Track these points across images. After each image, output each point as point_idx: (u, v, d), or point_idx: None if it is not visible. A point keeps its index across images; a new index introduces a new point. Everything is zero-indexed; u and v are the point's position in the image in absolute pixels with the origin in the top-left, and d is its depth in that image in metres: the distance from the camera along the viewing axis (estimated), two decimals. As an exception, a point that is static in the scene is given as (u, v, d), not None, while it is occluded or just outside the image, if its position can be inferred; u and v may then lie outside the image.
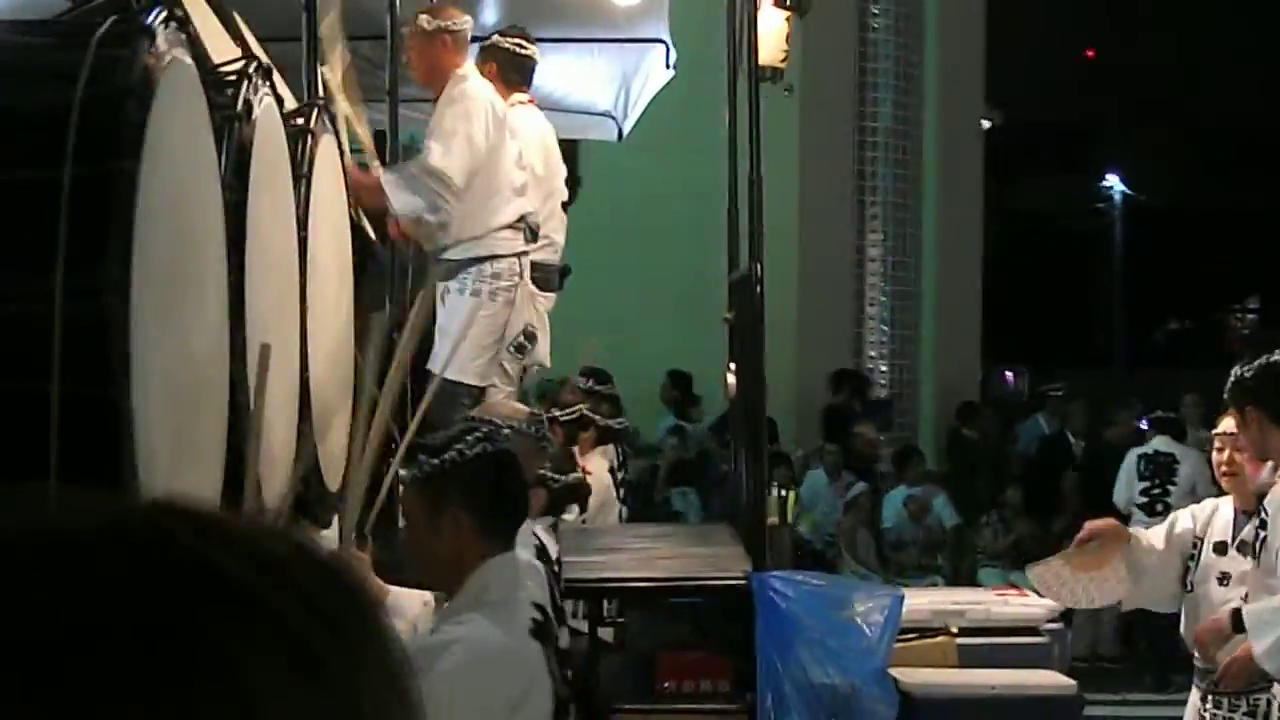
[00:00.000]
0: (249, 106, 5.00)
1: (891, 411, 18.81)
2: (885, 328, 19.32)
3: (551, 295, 8.35)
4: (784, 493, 9.39)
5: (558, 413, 9.71)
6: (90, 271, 3.71)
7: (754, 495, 7.26)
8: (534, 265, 8.16)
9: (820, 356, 18.27)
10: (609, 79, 11.49)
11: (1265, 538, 6.20)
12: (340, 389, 6.25)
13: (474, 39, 10.67)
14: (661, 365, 16.83)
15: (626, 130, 11.77)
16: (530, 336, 7.58)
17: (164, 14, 4.22)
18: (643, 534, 8.78)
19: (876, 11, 19.31)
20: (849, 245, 19.28)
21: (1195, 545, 6.57)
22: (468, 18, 7.76)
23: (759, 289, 7.83)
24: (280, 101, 5.49)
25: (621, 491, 9.52)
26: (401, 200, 7.30)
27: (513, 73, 8.37)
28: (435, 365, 7.37)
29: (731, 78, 9.69)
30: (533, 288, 8.06)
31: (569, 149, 14.42)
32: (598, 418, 9.58)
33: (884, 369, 19.26)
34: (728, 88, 9.80)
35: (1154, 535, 6.66)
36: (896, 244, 19.43)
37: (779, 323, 16.39)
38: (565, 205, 8.51)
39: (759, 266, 7.87)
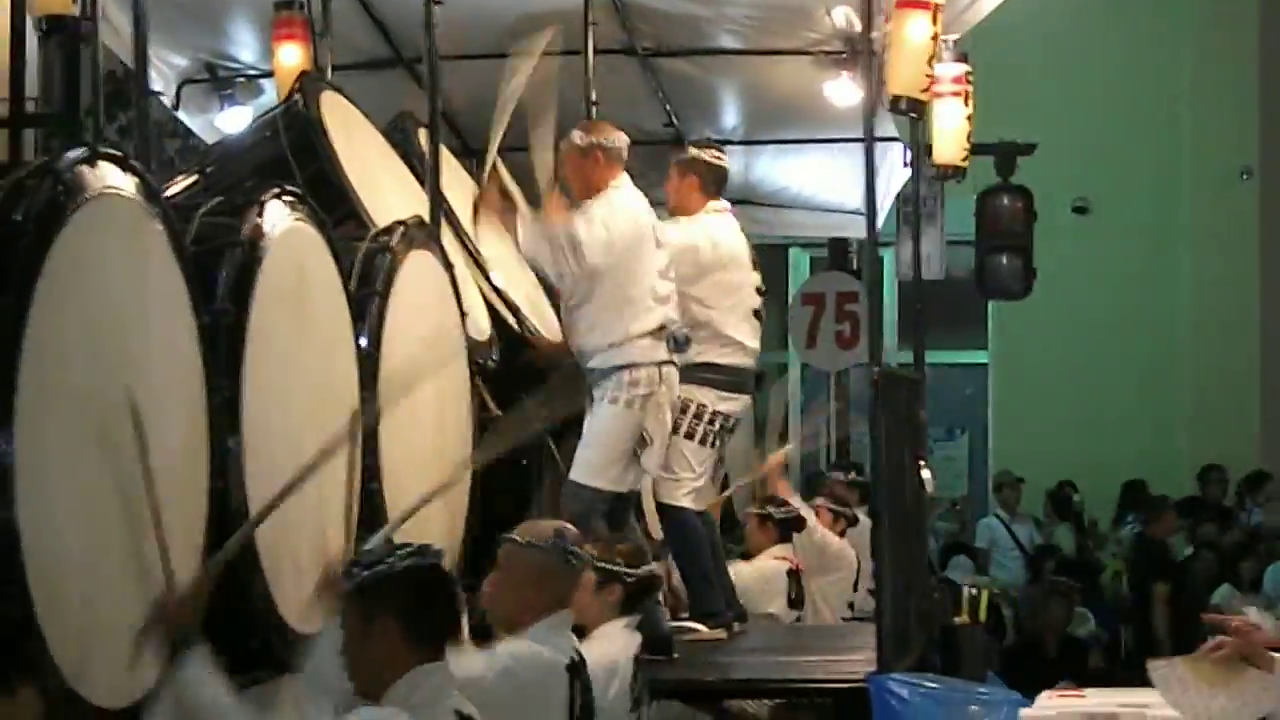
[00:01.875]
0: (257, 232, 5.24)
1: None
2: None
3: (744, 398, 8.46)
4: (975, 591, 9.22)
5: (771, 509, 9.81)
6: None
7: (895, 590, 7.20)
8: (720, 368, 8.30)
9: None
10: (854, 178, 11.54)
11: None
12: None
13: (708, 142, 10.96)
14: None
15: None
16: (644, 441, 7.67)
17: (94, 151, 4.46)
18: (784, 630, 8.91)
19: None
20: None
21: None
22: (622, 134, 7.92)
23: None
24: (323, 222, 5.70)
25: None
26: (532, 246, 7.69)
27: (711, 184, 8.55)
28: (574, 469, 7.56)
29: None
30: (714, 393, 8.22)
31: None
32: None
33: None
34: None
35: None
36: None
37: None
38: (756, 312, 8.56)
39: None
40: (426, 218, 7.98)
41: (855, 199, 11.70)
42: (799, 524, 9.82)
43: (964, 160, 9.27)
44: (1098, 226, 18.08)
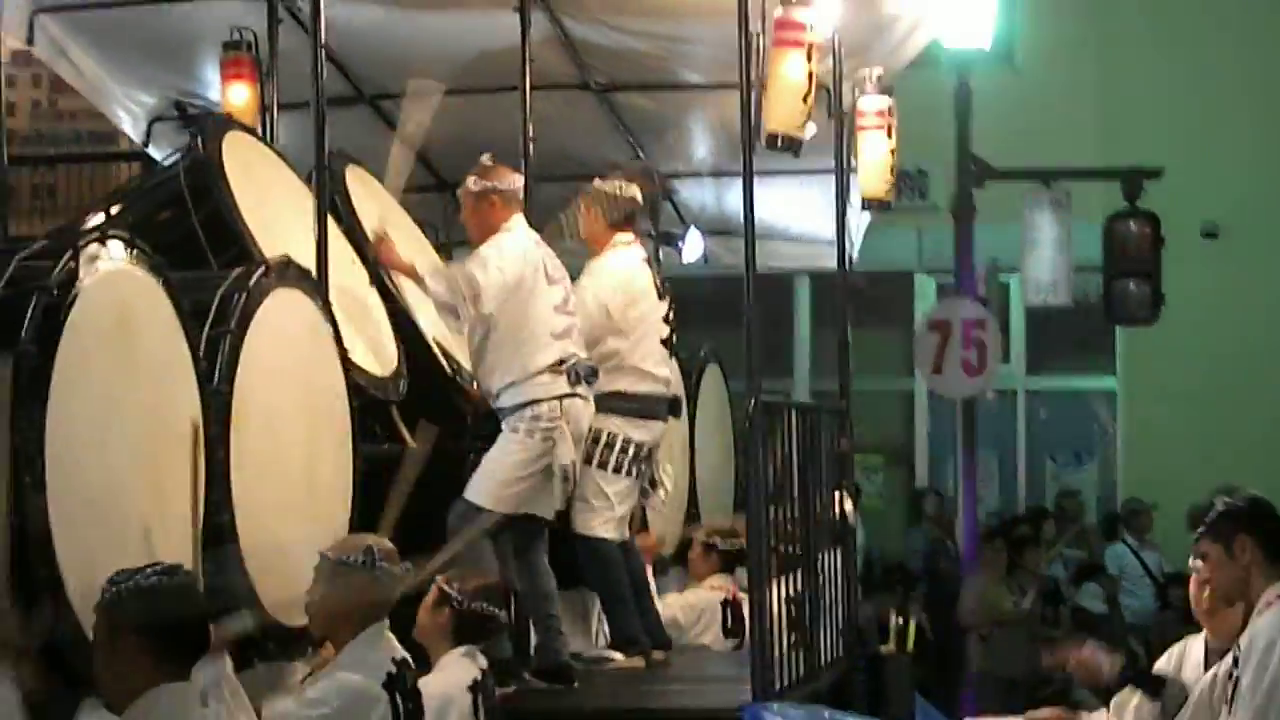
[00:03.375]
0: (70, 275, 5.43)
1: None
2: None
3: (656, 426, 8.58)
4: (901, 620, 9.28)
5: (718, 540, 9.92)
6: None
7: (764, 623, 7.29)
8: (630, 397, 8.45)
9: None
10: (824, 208, 11.67)
11: (1237, 678, 5.84)
12: (310, 528, 6.63)
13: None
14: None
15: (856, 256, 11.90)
16: (566, 475, 7.82)
17: None
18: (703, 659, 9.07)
19: None
20: None
21: None
22: (516, 176, 8.11)
23: None
24: (156, 264, 5.88)
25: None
26: (439, 288, 7.89)
27: (617, 216, 8.67)
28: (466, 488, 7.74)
29: None
30: (625, 421, 8.36)
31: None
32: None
33: None
34: None
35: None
36: None
37: None
38: (665, 341, 8.68)
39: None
40: (352, 257, 8.27)
41: (829, 229, 11.82)
42: (743, 557, 9.91)
43: (887, 193, 9.33)
44: (1228, 250, 17.94)
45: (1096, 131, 17.79)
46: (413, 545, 6.38)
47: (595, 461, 8.39)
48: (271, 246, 7.38)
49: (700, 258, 12.01)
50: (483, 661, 6.44)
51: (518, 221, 8.01)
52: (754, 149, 7.51)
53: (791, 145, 7.34)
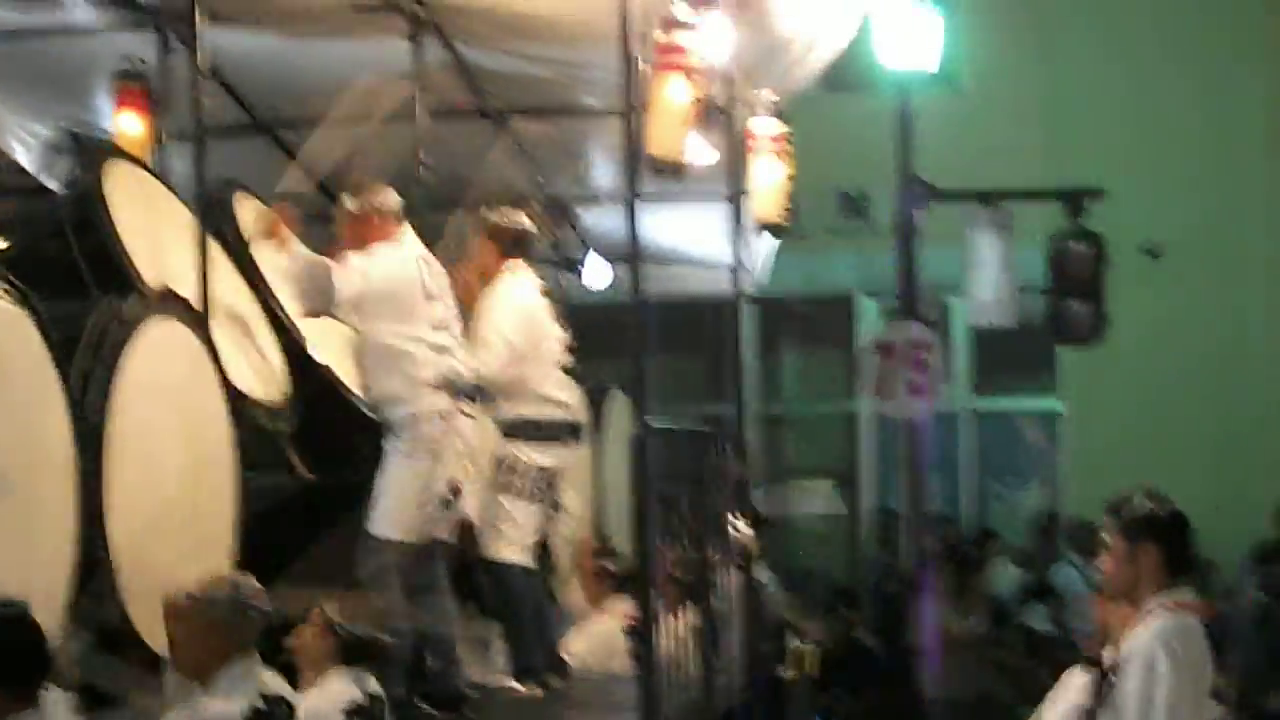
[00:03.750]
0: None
1: None
2: None
3: (560, 450, 8.55)
4: (802, 645, 9.28)
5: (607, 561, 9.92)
6: None
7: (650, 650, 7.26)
8: (533, 423, 8.44)
9: None
10: (722, 233, 11.70)
11: (1115, 683, 5.94)
12: (191, 555, 6.58)
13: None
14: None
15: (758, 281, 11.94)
16: (455, 491, 7.77)
17: None
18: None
19: None
20: None
21: None
22: (390, 191, 8.07)
23: None
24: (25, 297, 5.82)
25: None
26: (299, 270, 7.93)
27: (507, 244, 8.67)
28: (368, 522, 7.68)
29: None
30: (528, 446, 8.34)
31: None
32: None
33: None
34: None
35: None
36: None
37: None
38: (567, 369, 8.68)
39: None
40: (239, 286, 8.22)
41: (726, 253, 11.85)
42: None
43: (781, 217, 9.33)
44: (1171, 271, 17.90)
45: (1039, 152, 17.78)
46: (318, 580, 6.37)
47: (500, 487, 8.38)
48: (157, 276, 7.35)
49: (604, 283, 11.97)
50: (371, 687, 6.38)
51: (401, 233, 7.98)
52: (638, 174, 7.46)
53: (674, 170, 7.30)
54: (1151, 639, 5.81)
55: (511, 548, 8.45)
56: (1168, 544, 5.98)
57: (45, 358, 5.93)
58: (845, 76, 11.22)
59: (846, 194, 17.71)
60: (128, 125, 9.60)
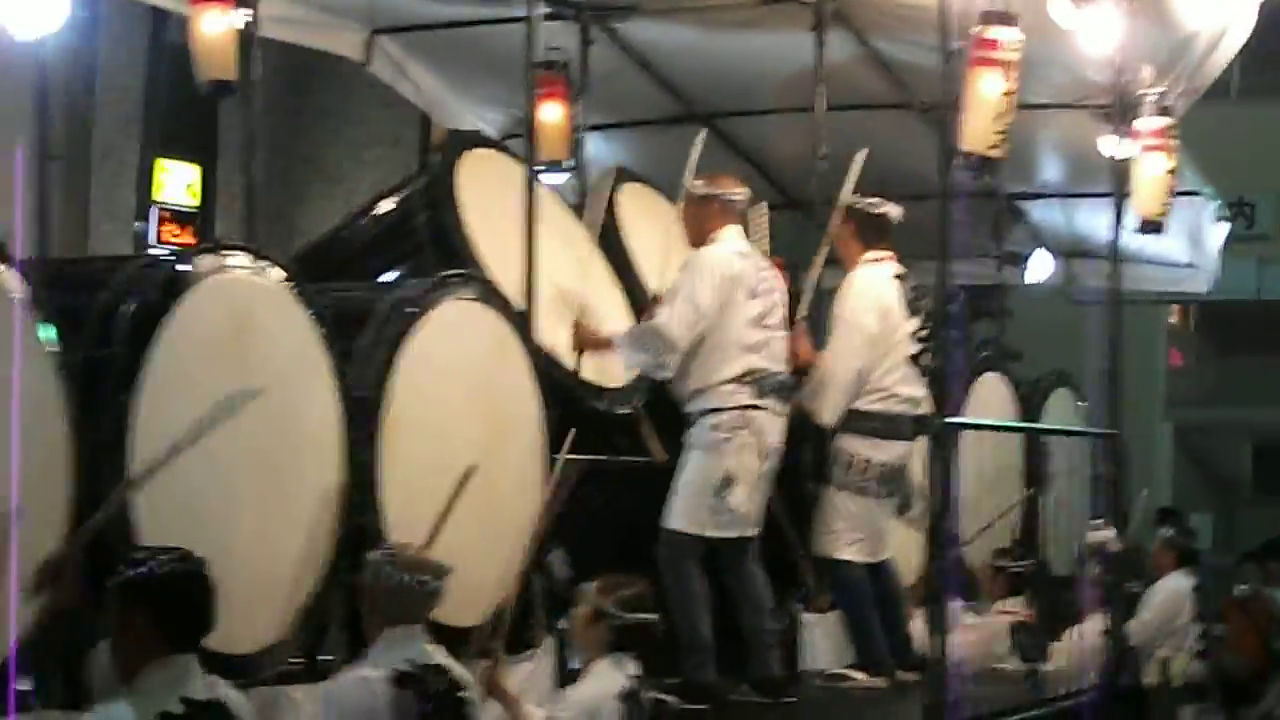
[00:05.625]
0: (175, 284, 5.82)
1: None
2: None
3: (899, 444, 8.54)
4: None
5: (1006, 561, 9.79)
6: None
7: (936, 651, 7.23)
8: (870, 415, 8.47)
9: None
10: (1174, 232, 11.40)
11: None
12: (485, 535, 6.91)
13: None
14: None
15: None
16: (727, 482, 7.79)
17: None
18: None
19: None
20: None
21: None
22: (744, 190, 8.15)
23: None
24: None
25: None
26: (631, 358, 7.94)
27: (869, 231, 8.68)
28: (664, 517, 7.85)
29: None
30: (864, 441, 8.39)
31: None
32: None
33: None
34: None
35: None
36: None
37: None
38: (915, 358, 8.62)
39: None
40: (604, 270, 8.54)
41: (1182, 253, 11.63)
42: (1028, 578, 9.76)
43: (1161, 215, 9.06)
44: None
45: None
46: (622, 568, 6.55)
47: (835, 483, 8.44)
48: (502, 263, 7.68)
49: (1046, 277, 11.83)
50: (632, 669, 6.50)
51: (728, 233, 8.02)
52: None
53: (988, 166, 7.26)
54: None
55: (846, 545, 8.47)
56: None
57: (310, 334, 6.31)
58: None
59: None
60: (548, 114, 10.01)
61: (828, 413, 8.45)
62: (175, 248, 11.96)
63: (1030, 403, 10.73)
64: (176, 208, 13.95)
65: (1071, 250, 11.88)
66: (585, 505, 7.83)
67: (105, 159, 13.21)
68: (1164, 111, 8.95)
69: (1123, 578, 10.74)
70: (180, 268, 5.91)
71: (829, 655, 8.90)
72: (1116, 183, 9.09)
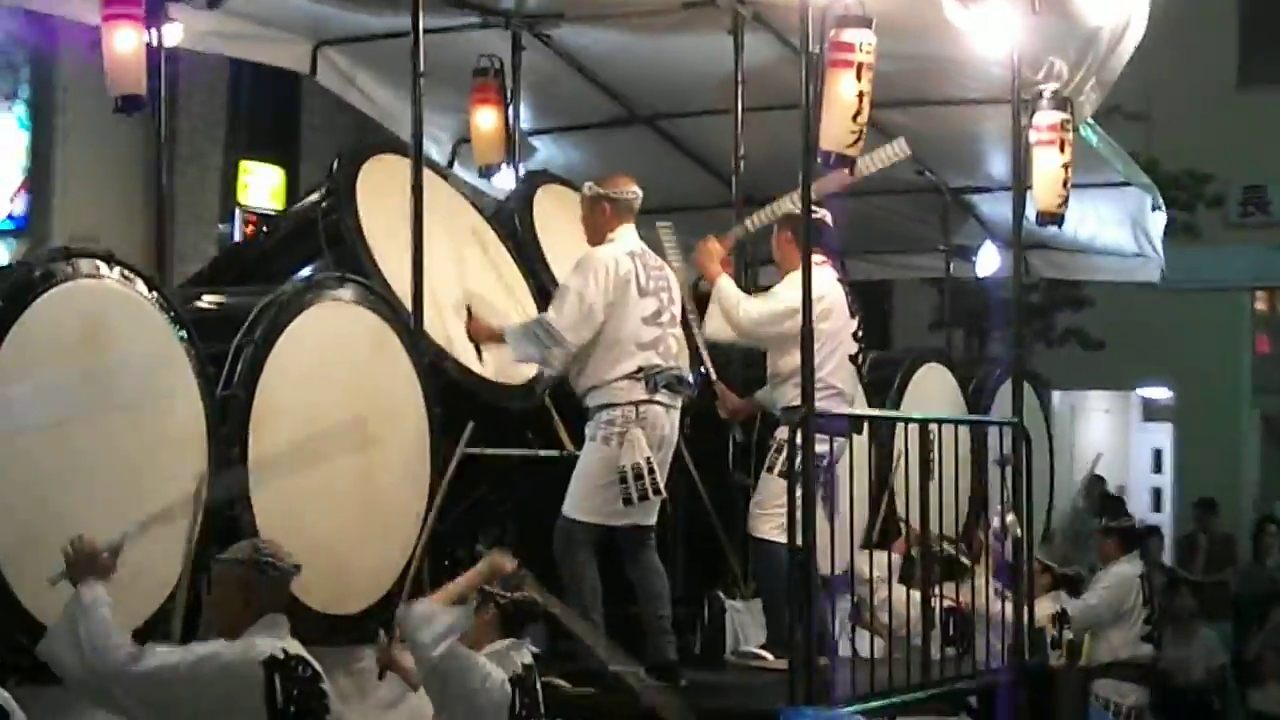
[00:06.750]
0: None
1: None
2: None
3: (836, 438, 8.72)
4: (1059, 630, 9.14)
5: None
6: None
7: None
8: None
9: None
10: (1119, 222, 11.55)
11: None
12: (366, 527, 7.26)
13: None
14: None
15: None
16: (623, 473, 8.02)
17: None
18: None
19: None
20: None
21: None
22: (632, 187, 8.37)
23: None
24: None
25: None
26: (519, 349, 8.24)
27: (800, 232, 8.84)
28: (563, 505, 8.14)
29: None
30: None
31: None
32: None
33: None
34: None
35: None
36: None
37: None
38: (853, 357, 8.82)
39: None
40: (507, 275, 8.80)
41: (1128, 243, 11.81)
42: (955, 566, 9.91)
43: (1059, 207, 9.23)
44: None
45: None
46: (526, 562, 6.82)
47: (773, 469, 8.67)
48: (399, 264, 7.93)
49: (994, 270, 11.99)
50: (527, 656, 6.71)
51: (623, 232, 8.28)
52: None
53: (845, 163, 7.48)
54: None
55: (774, 528, 8.67)
56: None
57: (171, 339, 6.63)
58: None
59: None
60: (482, 120, 10.27)
61: (709, 327, 8.77)
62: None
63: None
64: (260, 210, 14.19)
65: (1026, 242, 11.97)
66: (508, 496, 8.22)
67: (189, 163, 13.45)
68: (1061, 106, 9.08)
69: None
70: (30, 274, 6.22)
71: (757, 640, 9.11)
72: (1016, 177, 9.25)
